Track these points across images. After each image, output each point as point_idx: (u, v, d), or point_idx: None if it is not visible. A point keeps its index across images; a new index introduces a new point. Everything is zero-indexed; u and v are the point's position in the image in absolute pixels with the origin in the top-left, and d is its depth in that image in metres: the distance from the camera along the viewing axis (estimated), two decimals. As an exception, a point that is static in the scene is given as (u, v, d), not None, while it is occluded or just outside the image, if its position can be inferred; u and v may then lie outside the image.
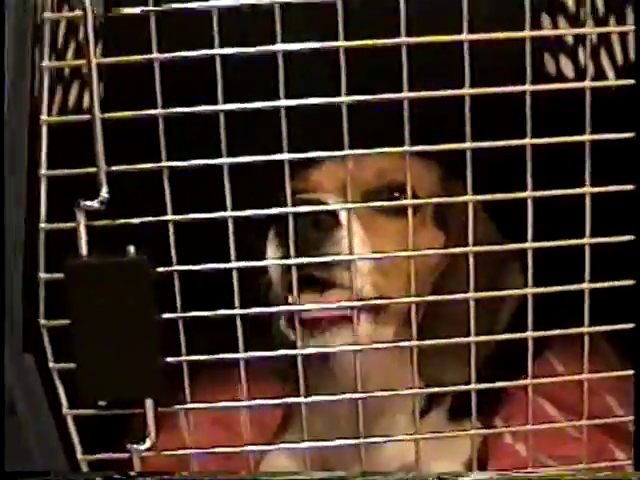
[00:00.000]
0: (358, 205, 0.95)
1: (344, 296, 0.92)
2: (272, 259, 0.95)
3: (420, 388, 0.95)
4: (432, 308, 1.00)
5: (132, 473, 0.87)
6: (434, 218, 1.07)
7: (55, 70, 1.06)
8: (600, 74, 1.33)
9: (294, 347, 0.87)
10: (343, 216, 0.92)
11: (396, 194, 1.03)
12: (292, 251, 0.82)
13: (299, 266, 0.84)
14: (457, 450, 1.10)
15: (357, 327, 0.86)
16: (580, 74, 1.30)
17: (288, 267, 0.85)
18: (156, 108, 0.78)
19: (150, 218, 0.78)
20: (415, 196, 1.00)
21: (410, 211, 0.83)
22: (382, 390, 0.88)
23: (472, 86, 0.79)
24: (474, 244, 0.84)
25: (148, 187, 0.82)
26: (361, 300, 0.92)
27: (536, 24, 1.44)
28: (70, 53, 1.11)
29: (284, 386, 1.02)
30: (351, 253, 0.87)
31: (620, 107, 0.85)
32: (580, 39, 1.46)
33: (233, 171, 0.78)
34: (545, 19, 1.50)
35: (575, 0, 1.46)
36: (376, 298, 0.98)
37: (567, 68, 1.52)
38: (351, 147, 0.79)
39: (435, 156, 0.95)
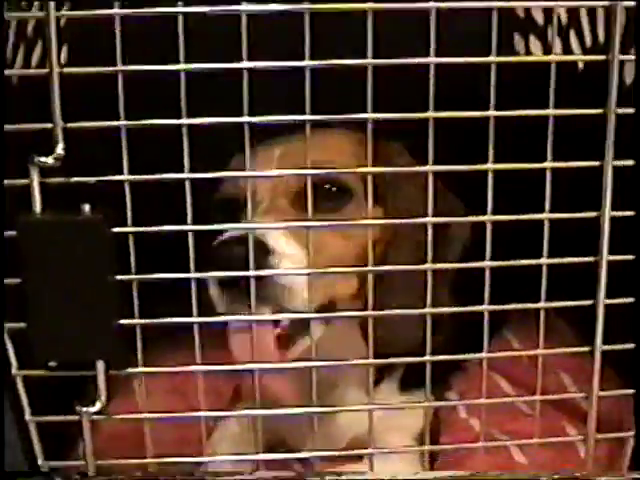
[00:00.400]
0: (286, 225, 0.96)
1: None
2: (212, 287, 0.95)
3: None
4: (378, 278, 0.99)
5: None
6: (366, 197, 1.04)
7: (17, 29, 1.04)
8: (569, 54, 1.33)
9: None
10: (273, 240, 0.93)
11: (327, 186, 1.01)
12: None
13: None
14: (408, 423, 1.11)
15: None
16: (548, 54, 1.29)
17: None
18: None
19: (105, 177, 0.77)
20: (346, 186, 1.01)
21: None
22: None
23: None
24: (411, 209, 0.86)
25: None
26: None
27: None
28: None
29: None
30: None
31: (587, 87, 0.85)
32: (550, 19, 1.46)
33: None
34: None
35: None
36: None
37: (536, 48, 1.52)
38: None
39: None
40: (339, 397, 1.10)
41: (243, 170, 0.93)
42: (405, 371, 1.11)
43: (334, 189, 1.01)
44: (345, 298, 0.99)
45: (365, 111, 0.79)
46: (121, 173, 0.79)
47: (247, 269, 0.84)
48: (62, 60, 1.19)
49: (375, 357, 0.87)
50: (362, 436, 1.08)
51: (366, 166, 0.84)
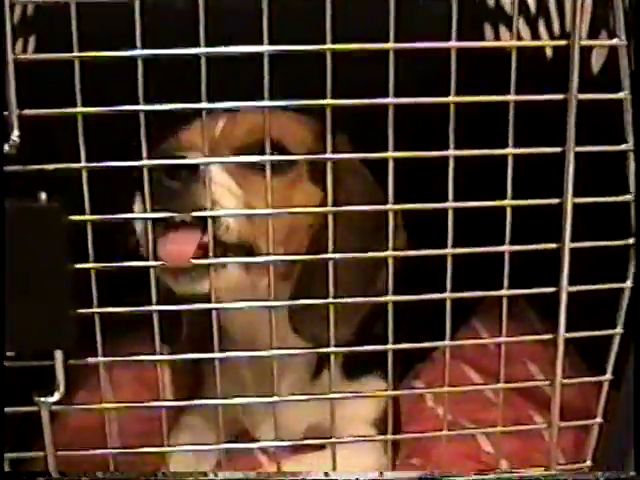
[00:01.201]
0: (219, 160, 0.97)
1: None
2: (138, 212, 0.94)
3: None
4: (308, 266, 0.99)
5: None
6: (309, 174, 1.04)
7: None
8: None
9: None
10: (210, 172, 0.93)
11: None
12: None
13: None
14: (363, 411, 1.11)
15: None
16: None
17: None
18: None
19: (62, 165, 0.76)
20: (287, 152, 1.01)
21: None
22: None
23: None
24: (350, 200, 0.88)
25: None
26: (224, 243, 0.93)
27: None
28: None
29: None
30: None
31: (554, 74, 0.85)
32: (520, 10, 1.46)
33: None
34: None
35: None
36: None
37: (506, 39, 1.52)
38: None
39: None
40: (290, 386, 1.11)
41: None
42: (345, 359, 1.10)
43: (275, 153, 1.00)
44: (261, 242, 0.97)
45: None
46: (78, 160, 0.78)
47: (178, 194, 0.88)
48: (30, 50, 1.19)
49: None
50: (316, 425, 1.09)
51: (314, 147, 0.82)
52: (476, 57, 0.81)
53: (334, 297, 0.84)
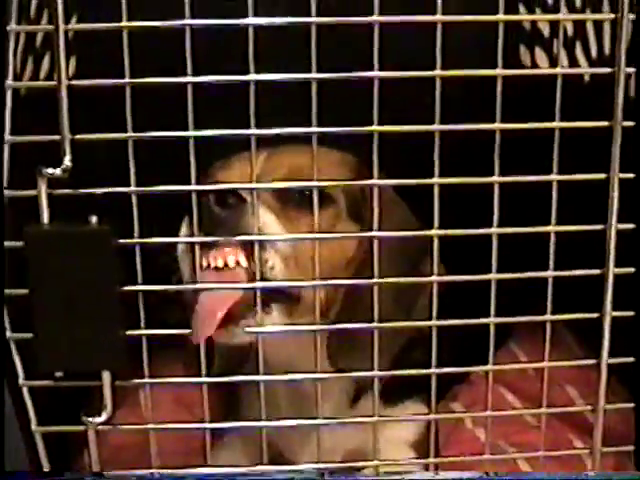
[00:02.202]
0: (264, 185, 0.95)
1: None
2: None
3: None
4: (348, 302, 1.00)
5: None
6: (349, 212, 1.04)
7: (26, 40, 1.05)
8: (575, 67, 1.33)
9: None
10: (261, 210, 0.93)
11: (308, 192, 0.97)
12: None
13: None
14: (402, 434, 1.11)
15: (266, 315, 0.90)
16: (555, 67, 1.30)
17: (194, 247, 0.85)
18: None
19: (112, 188, 0.77)
20: (326, 192, 1.00)
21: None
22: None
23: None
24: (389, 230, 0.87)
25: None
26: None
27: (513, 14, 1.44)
28: (44, 23, 1.10)
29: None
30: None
31: (593, 99, 0.85)
32: (556, 32, 1.46)
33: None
34: (522, 10, 1.51)
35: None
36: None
37: (542, 60, 1.52)
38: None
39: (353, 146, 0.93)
40: (327, 411, 1.10)
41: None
42: (384, 386, 1.10)
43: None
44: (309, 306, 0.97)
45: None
46: (128, 184, 0.79)
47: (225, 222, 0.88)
48: (70, 70, 1.21)
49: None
50: (354, 450, 1.09)
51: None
52: (512, 80, 0.81)
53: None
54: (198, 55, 0.77)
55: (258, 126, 0.79)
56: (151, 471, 0.89)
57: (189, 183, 0.79)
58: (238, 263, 0.90)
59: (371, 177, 0.82)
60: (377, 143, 0.80)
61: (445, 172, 0.81)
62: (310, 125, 0.79)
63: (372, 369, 0.86)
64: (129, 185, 0.79)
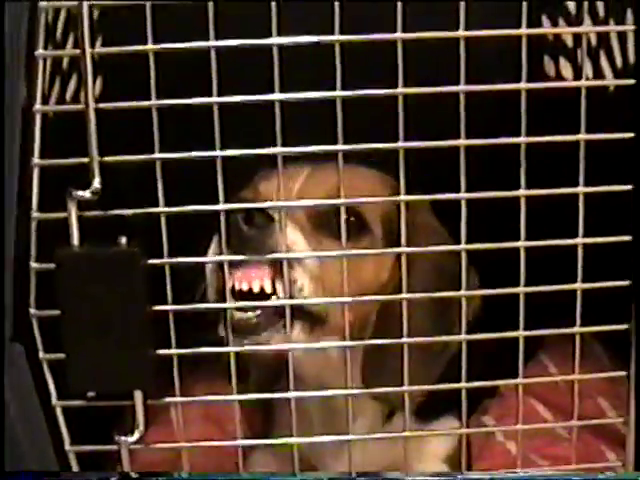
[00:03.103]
0: (293, 203, 0.96)
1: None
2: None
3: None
4: (381, 323, 0.99)
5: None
6: (385, 240, 1.04)
7: (53, 62, 1.06)
8: (599, 76, 1.33)
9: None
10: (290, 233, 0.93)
11: (345, 216, 0.96)
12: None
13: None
14: (433, 449, 1.12)
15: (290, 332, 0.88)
16: (579, 76, 1.30)
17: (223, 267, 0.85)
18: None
19: (141, 210, 0.78)
20: (363, 218, 1.02)
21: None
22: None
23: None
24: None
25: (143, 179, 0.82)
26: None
27: (536, 26, 1.44)
28: (69, 46, 1.12)
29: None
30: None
31: (618, 109, 0.85)
32: (580, 42, 1.46)
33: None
34: (545, 21, 1.51)
35: (576, 4, 1.46)
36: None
37: (566, 70, 1.52)
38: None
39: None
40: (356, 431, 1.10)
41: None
42: (419, 403, 1.09)
43: (352, 219, 1.01)
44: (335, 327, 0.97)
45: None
46: (156, 204, 0.80)
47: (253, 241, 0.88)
48: (96, 91, 1.22)
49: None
50: (387, 467, 1.09)
51: (391, 211, 0.83)
52: (537, 92, 0.81)
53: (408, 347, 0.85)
54: (224, 74, 0.77)
55: (292, 143, 0.79)
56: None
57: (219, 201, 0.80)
58: (262, 289, 0.91)
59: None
60: (403, 159, 0.80)
61: (470, 187, 0.81)
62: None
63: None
64: (158, 205, 0.80)
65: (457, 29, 0.78)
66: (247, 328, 0.92)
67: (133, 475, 0.88)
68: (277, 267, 0.89)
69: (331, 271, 0.94)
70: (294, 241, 0.95)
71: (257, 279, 0.90)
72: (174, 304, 0.82)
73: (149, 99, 0.78)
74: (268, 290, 0.91)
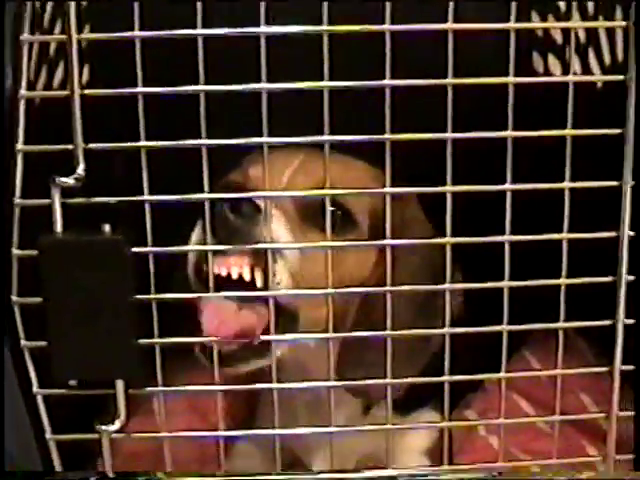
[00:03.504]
0: (279, 193, 0.95)
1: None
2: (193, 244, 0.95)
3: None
4: (362, 317, 0.99)
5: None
6: (370, 234, 1.03)
7: (40, 48, 1.05)
8: (588, 73, 1.34)
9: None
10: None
11: (332, 208, 0.96)
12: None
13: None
14: (414, 442, 1.12)
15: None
16: (568, 74, 1.30)
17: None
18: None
19: (125, 197, 0.78)
20: (351, 214, 1.02)
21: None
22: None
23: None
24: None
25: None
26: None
27: (526, 22, 1.44)
28: (57, 32, 1.11)
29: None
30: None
31: (606, 106, 0.85)
32: (568, 39, 1.46)
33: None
34: (535, 18, 1.51)
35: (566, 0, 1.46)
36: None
37: (555, 67, 1.52)
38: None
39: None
40: (339, 419, 1.10)
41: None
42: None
43: (339, 213, 1.00)
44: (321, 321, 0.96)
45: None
46: (141, 192, 0.79)
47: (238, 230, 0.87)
48: (84, 79, 1.21)
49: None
50: (369, 456, 1.09)
51: (379, 206, 0.84)
52: (525, 88, 0.81)
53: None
54: (211, 63, 0.77)
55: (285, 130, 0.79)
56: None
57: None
58: (241, 276, 0.90)
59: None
60: (390, 152, 0.80)
61: (457, 180, 0.81)
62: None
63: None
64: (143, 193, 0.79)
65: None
66: (231, 359, 0.92)
67: (111, 475, 0.88)
68: (258, 257, 0.89)
69: (312, 265, 0.93)
70: (279, 236, 0.94)
71: (236, 266, 0.89)
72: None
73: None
74: (247, 278, 0.90)
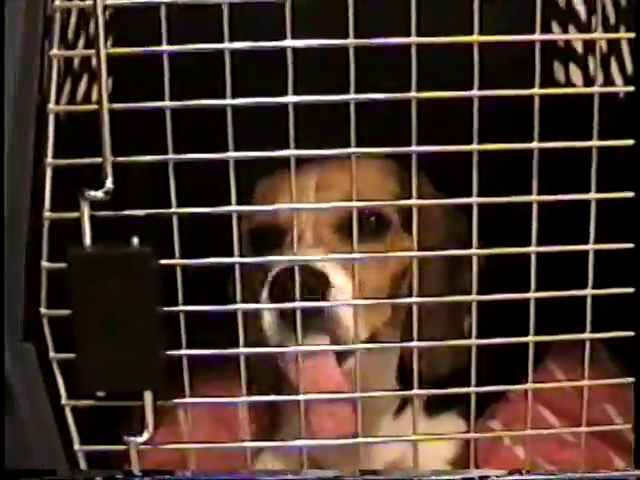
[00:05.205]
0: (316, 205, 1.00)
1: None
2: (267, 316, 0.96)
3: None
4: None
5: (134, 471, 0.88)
6: (402, 225, 1.04)
7: (64, 62, 1.06)
8: (609, 83, 1.33)
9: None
10: (329, 272, 0.93)
11: (365, 216, 1.02)
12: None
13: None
14: (439, 449, 1.12)
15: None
16: (589, 83, 1.30)
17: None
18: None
19: (154, 210, 0.78)
20: (384, 215, 1.03)
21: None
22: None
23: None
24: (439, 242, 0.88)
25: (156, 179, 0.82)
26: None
27: (547, 32, 1.44)
28: (80, 45, 1.12)
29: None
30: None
31: (628, 115, 0.85)
32: (590, 48, 1.46)
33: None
34: (555, 27, 1.51)
35: (587, 9, 1.47)
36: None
37: (576, 77, 1.52)
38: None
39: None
40: (369, 424, 1.10)
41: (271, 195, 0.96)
42: (428, 396, 1.10)
43: (373, 219, 1.01)
44: (382, 327, 1.00)
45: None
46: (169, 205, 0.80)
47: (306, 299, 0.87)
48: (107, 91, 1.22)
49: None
50: (395, 462, 1.09)
51: (401, 196, 0.84)
52: (546, 98, 0.82)
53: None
54: (238, 76, 0.78)
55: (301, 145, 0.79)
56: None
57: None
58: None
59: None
60: (416, 163, 0.80)
61: (483, 190, 0.82)
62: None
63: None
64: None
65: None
66: None
67: (137, 472, 0.88)
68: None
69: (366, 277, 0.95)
70: (341, 287, 0.94)
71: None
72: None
73: (161, 100, 0.78)
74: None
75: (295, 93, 0.77)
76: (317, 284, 0.91)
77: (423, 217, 0.89)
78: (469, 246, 0.83)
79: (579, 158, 0.81)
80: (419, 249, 0.85)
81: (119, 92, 0.84)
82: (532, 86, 0.80)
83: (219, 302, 0.83)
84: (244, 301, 0.86)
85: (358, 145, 0.79)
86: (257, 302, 0.99)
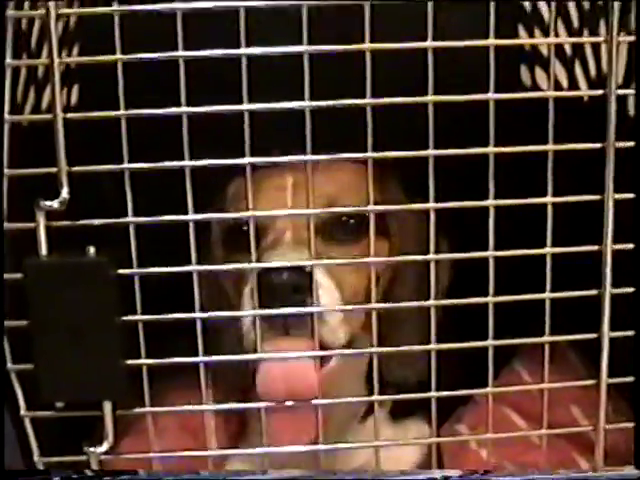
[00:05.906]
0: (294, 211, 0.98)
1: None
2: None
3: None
4: (385, 314, 0.98)
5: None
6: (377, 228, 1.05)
7: (27, 71, 1.06)
8: (574, 86, 1.34)
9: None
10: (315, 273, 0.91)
11: (344, 218, 1.02)
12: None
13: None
14: (405, 454, 1.13)
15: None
16: (555, 86, 1.30)
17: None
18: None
19: (110, 220, 0.78)
20: (363, 218, 1.00)
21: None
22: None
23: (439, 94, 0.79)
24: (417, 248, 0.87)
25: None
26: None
27: (513, 35, 1.45)
28: (44, 55, 1.11)
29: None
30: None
31: (592, 119, 0.85)
32: (554, 52, 1.47)
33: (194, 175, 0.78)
34: (522, 31, 1.52)
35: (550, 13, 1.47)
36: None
37: (542, 80, 1.53)
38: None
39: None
40: (337, 429, 1.11)
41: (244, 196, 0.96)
42: (394, 402, 1.11)
43: (352, 221, 1.02)
44: (359, 331, 1.00)
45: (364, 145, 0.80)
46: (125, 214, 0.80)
47: (291, 300, 0.87)
48: (73, 99, 1.22)
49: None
50: (359, 469, 1.09)
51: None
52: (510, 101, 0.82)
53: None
54: (196, 84, 0.78)
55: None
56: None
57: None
58: None
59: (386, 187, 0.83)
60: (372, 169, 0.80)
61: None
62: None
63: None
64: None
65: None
66: None
67: (89, 474, 0.87)
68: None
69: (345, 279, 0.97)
70: (325, 285, 0.94)
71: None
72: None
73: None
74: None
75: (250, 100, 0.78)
76: (303, 282, 0.89)
77: (399, 223, 0.89)
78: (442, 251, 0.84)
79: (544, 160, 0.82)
80: (400, 253, 0.86)
81: (87, 103, 0.83)
82: (501, 90, 0.81)
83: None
84: (219, 308, 0.89)
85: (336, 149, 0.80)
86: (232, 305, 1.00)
